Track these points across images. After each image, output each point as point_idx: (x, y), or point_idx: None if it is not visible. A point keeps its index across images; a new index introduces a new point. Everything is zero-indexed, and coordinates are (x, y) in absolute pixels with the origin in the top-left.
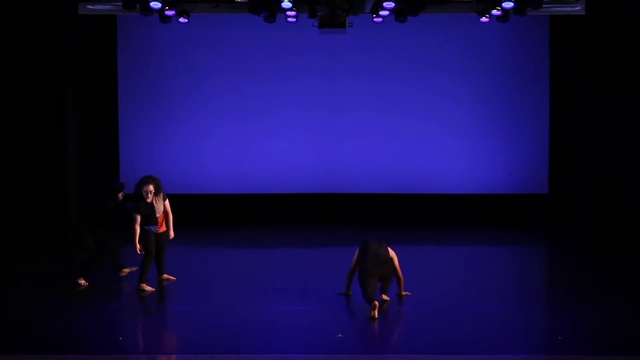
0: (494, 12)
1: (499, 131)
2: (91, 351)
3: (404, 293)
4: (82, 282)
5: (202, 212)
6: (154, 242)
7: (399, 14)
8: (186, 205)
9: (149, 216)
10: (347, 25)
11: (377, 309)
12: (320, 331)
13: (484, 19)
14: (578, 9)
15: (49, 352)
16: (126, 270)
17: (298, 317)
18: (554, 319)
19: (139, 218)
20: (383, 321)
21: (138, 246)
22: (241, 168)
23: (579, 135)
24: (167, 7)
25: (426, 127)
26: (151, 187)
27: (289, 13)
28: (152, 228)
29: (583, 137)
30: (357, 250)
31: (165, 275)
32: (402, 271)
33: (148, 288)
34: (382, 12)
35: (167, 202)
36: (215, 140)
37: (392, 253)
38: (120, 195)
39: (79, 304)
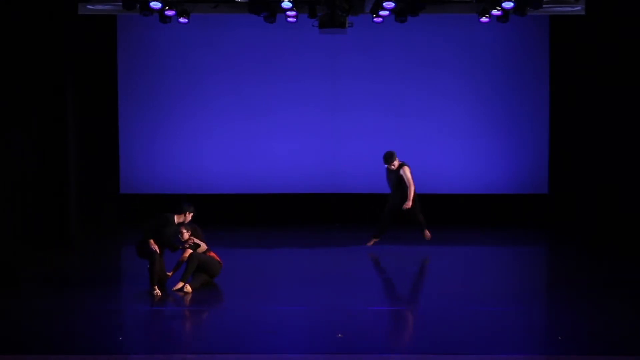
0: (494, 12)
1: (499, 131)
2: (91, 351)
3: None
4: (157, 291)
5: (202, 212)
6: None
7: (399, 14)
8: None
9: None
10: (347, 25)
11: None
12: (320, 331)
13: (484, 19)
14: (578, 9)
15: (49, 352)
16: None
17: (298, 317)
18: (554, 319)
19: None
20: (383, 321)
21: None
22: (241, 168)
23: (579, 135)
24: (167, 7)
25: (426, 127)
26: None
27: (289, 13)
28: None
29: (583, 137)
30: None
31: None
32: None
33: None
34: (382, 12)
35: None
36: (215, 140)
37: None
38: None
39: (79, 304)
